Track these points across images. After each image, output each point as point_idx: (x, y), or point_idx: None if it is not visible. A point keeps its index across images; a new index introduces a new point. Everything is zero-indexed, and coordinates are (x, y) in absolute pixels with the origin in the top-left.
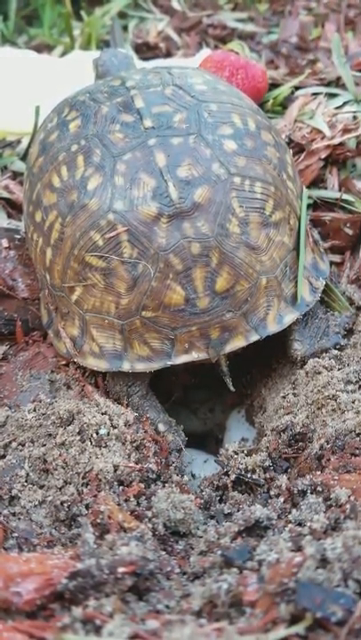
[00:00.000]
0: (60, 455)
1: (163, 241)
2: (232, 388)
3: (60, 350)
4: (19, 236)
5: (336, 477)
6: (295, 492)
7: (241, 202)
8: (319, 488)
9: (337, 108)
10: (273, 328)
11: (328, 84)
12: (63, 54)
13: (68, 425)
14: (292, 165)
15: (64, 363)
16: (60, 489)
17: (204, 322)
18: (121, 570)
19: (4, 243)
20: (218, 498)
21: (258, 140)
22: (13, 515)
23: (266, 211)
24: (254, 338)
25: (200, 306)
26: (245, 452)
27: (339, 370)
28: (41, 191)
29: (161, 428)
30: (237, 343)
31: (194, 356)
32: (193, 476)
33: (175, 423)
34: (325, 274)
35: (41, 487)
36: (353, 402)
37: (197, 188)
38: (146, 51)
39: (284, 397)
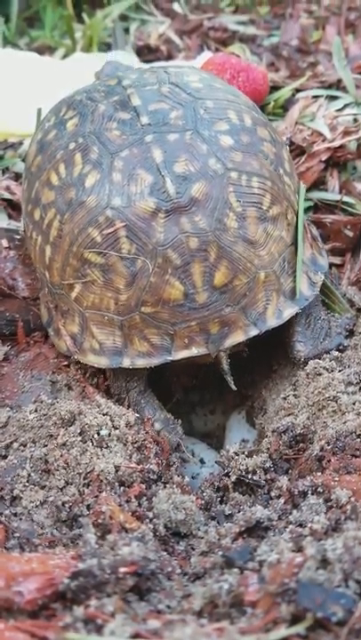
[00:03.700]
0: (61, 456)
1: (161, 236)
2: (233, 387)
3: (60, 348)
4: (18, 237)
5: (337, 478)
6: (296, 493)
7: (238, 196)
8: (320, 489)
9: (338, 110)
10: (272, 322)
11: (329, 87)
12: (65, 56)
13: (70, 426)
14: (288, 161)
15: (65, 364)
16: (62, 489)
17: (203, 317)
18: (122, 570)
19: (4, 243)
20: (219, 499)
21: (254, 136)
22: (15, 515)
23: (263, 205)
24: (254, 332)
25: (199, 301)
26: (246, 453)
27: (339, 371)
28: (39, 189)
29: (157, 426)
30: (237, 338)
31: (193, 351)
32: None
33: (173, 420)
34: (324, 268)
35: (42, 487)
36: (354, 403)
37: (194, 183)
38: (147, 53)
39: (284, 399)
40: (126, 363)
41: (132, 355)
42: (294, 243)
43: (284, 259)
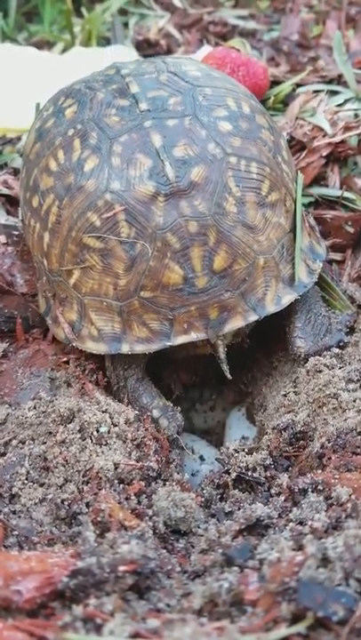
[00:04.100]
0: (60, 453)
1: (160, 220)
2: (229, 376)
3: (58, 336)
4: (17, 232)
5: (337, 476)
6: (296, 490)
7: (237, 181)
8: (320, 487)
9: (338, 105)
10: (271, 308)
11: (329, 82)
12: (64, 51)
13: (69, 423)
14: (286, 150)
15: (65, 360)
16: (61, 487)
17: (202, 301)
18: (122, 568)
19: (2, 239)
20: (218, 496)
21: (253, 123)
22: (14, 513)
23: (262, 191)
24: (253, 318)
25: (198, 285)
26: (246, 450)
27: (340, 368)
28: (38, 176)
29: (155, 414)
30: (236, 323)
31: (193, 336)
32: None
33: (173, 407)
34: (322, 257)
35: (41, 485)
36: (354, 400)
37: (194, 167)
38: (147, 47)
39: (285, 396)
40: (125, 349)
41: (130, 340)
42: (293, 230)
43: (282, 245)
